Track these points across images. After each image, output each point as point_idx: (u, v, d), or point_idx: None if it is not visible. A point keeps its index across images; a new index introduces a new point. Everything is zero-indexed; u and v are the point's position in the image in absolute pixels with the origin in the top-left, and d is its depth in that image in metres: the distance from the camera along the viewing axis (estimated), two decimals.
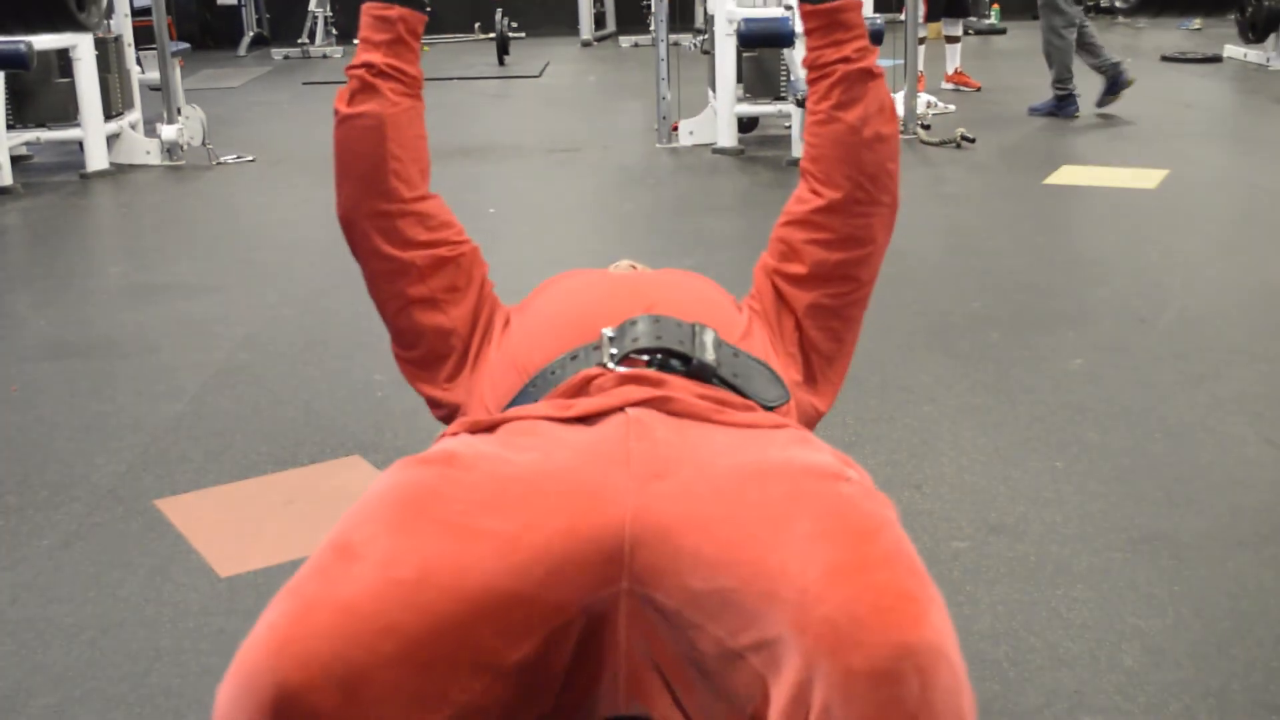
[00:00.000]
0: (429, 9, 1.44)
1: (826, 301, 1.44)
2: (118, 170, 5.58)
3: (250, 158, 5.80)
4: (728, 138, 5.58)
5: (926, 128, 5.82)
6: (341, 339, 3.21)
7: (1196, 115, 6.43)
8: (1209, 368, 2.85)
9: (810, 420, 1.38)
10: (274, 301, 3.60)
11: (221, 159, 5.73)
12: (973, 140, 5.55)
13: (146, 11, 6.11)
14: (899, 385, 2.82)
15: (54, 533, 2.22)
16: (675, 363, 1.17)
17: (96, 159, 5.49)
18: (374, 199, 1.42)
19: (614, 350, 1.17)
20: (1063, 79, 6.12)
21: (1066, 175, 4.96)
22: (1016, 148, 5.58)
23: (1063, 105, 6.14)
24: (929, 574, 0.91)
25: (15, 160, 5.41)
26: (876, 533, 0.92)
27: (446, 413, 1.41)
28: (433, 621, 0.87)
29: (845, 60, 1.43)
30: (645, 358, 1.17)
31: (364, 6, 1.42)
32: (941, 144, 5.59)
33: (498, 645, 0.90)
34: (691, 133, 5.80)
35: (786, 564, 0.88)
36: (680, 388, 1.13)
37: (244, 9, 10.62)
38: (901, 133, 5.81)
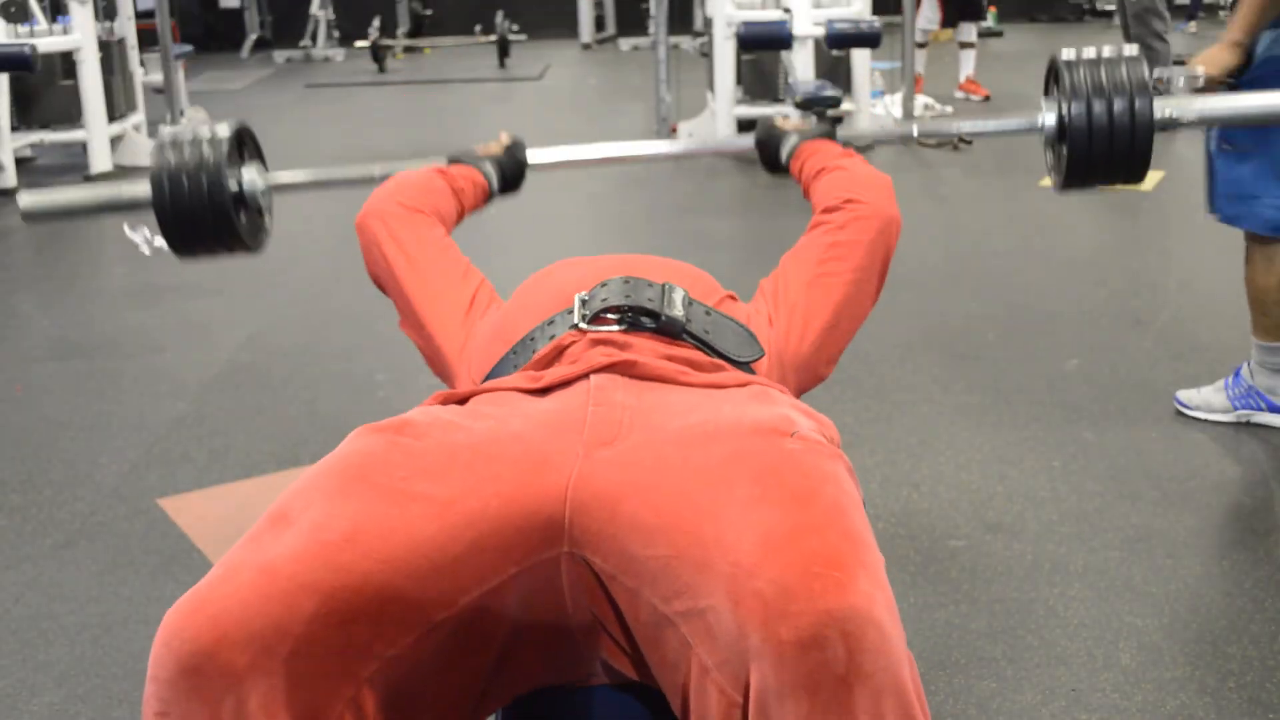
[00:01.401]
0: (494, 193, 1.69)
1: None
2: (121, 172, 5.59)
3: None
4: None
5: None
6: (343, 339, 3.23)
7: None
8: (1204, 368, 2.86)
9: (806, 381, 1.38)
10: (276, 302, 3.62)
11: None
12: (969, 142, 5.57)
13: (150, 14, 6.14)
14: (897, 386, 2.84)
15: (57, 531, 2.23)
16: (645, 320, 1.19)
17: (100, 161, 5.50)
18: (396, 200, 1.55)
19: (585, 312, 1.20)
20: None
21: None
22: (1013, 149, 5.59)
23: None
24: (869, 535, 0.92)
25: (19, 162, 5.42)
26: (814, 494, 0.92)
27: (436, 365, 1.43)
28: (354, 580, 0.89)
29: (824, 165, 1.55)
30: (615, 317, 1.20)
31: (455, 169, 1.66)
32: (938, 146, 5.61)
33: (425, 603, 0.92)
34: (691, 134, 5.81)
35: (722, 533, 0.89)
36: (647, 349, 1.15)
37: (247, 12, 10.63)
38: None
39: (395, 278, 1.44)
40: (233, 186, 1.57)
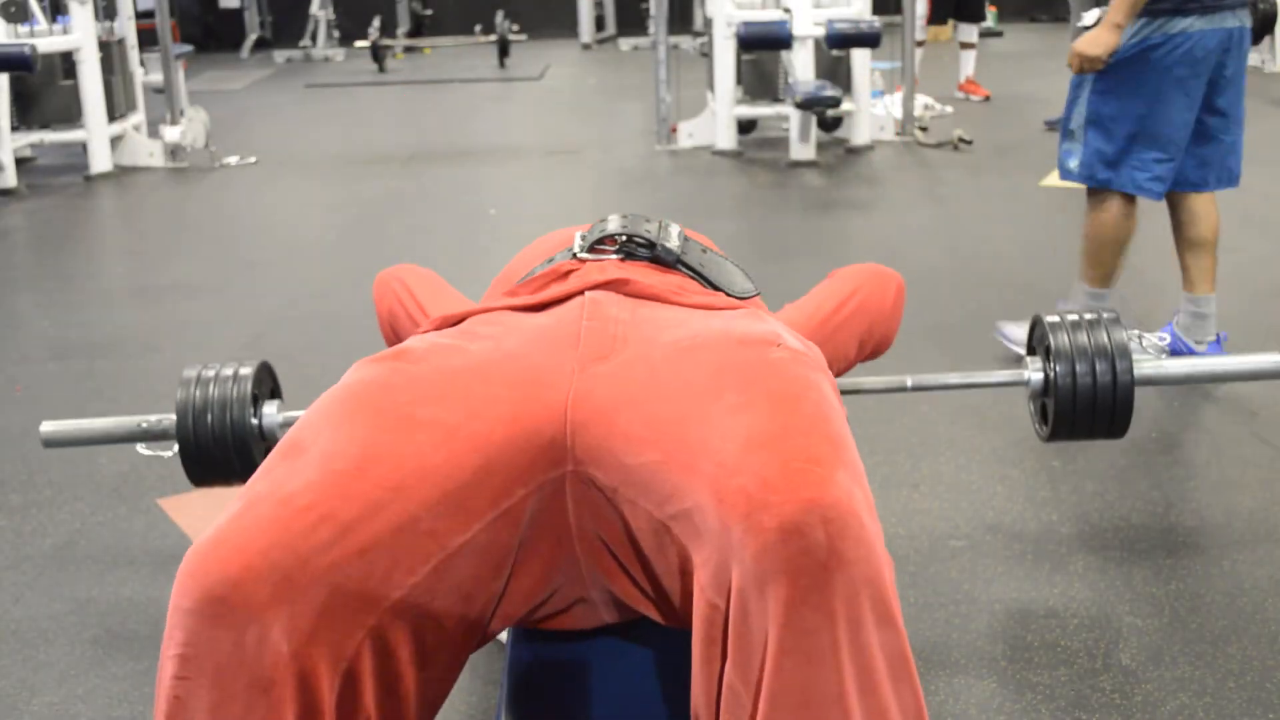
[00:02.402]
0: None
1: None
2: (121, 172, 5.60)
3: (253, 160, 5.82)
4: (727, 140, 5.60)
5: (924, 129, 5.84)
6: (343, 339, 3.22)
7: None
8: None
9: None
10: (276, 302, 3.62)
11: (224, 161, 5.75)
12: (970, 142, 5.57)
13: (150, 14, 6.14)
14: None
15: (57, 531, 2.23)
16: (641, 250, 1.23)
17: (100, 161, 5.50)
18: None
19: (583, 243, 1.24)
20: None
21: None
22: (1013, 149, 5.59)
23: None
24: (850, 441, 0.95)
25: (20, 162, 5.43)
26: (798, 399, 0.95)
27: None
28: (369, 509, 0.91)
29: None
30: (613, 248, 1.23)
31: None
32: (939, 146, 5.61)
33: (439, 529, 0.94)
34: (691, 135, 5.81)
35: (708, 437, 0.92)
36: (642, 272, 1.18)
37: (247, 12, 10.63)
38: (899, 135, 5.83)
39: (418, 306, 1.48)
40: (252, 422, 1.65)
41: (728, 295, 1.23)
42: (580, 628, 1.10)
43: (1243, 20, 2.68)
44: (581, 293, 1.13)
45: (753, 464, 0.87)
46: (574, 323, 1.06)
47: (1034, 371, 1.70)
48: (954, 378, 1.89)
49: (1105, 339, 1.64)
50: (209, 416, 1.63)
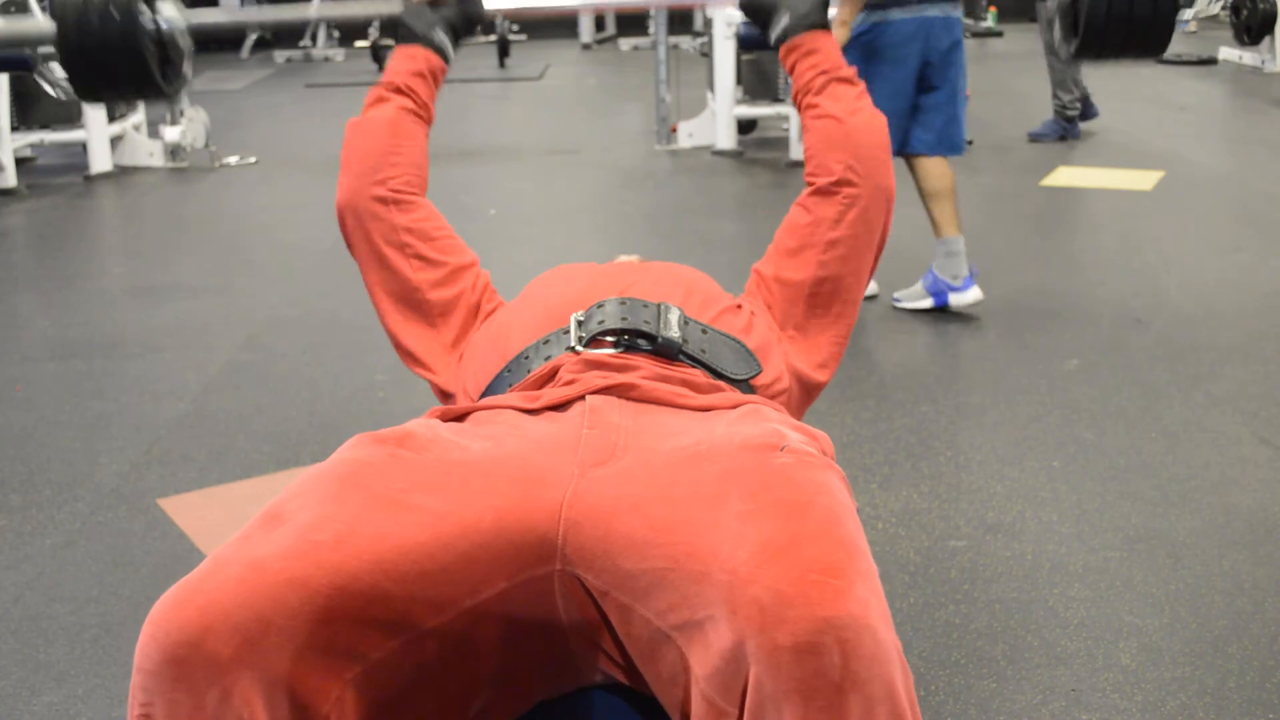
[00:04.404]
0: (450, 59, 1.54)
1: (822, 273, 1.41)
2: (121, 172, 5.60)
3: (253, 160, 5.82)
4: (727, 140, 5.60)
5: None
6: (343, 339, 3.23)
7: (1192, 117, 6.44)
8: (1205, 368, 2.86)
9: (805, 392, 1.38)
10: (276, 302, 3.62)
11: (224, 161, 5.75)
12: (970, 142, 5.56)
13: None
14: (897, 385, 2.84)
15: (57, 532, 2.23)
16: (642, 342, 1.20)
17: (100, 161, 5.50)
18: (371, 185, 1.46)
19: (582, 334, 1.21)
20: (1068, 99, 5.64)
21: (1063, 177, 4.98)
22: (1013, 149, 5.59)
23: (1073, 126, 5.68)
24: (863, 544, 0.93)
25: (20, 162, 5.43)
26: (808, 506, 0.93)
27: (442, 396, 1.43)
28: (340, 579, 0.90)
29: (823, 73, 1.45)
30: (611, 339, 1.20)
31: (395, 48, 1.53)
32: None
33: (412, 610, 0.92)
34: (691, 135, 5.81)
35: (718, 545, 0.90)
36: (644, 370, 1.16)
37: None
38: None
39: (378, 308, 1.45)
40: (148, 24, 1.46)
41: (730, 383, 1.20)
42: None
43: (946, 11, 3.14)
44: (583, 397, 1.11)
45: (768, 574, 0.85)
46: (575, 429, 1.05)
47: None
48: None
49: None
50: (93, 15, 1.41)
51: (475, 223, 4.50)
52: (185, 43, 1.55)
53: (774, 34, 1.51)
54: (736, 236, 4.22)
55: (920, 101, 3.20)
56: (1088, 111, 5.79)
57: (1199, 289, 3.47)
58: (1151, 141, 5.68)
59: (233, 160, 5.78)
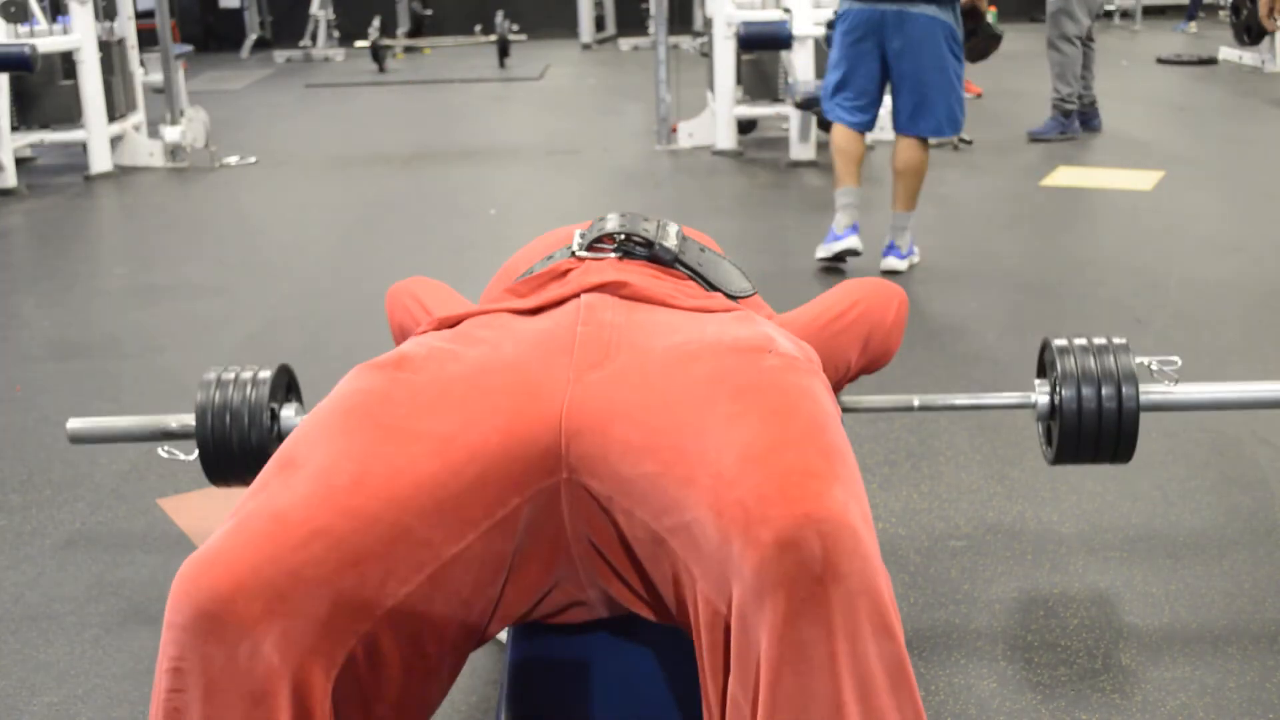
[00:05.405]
0: None
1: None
2: (121, 172, 5.60)
3: (253, 159, 5.82)
4: (727, 140, 5.60)
5: None
6: (343, 339, 3.23)
7: (1192, 118, 6.44)
8: (1204, 368, 2.86)
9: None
10: (276, 302, 3.62)
11: (224, 161, 5.75)
12: (969, 142, 5.57)
13: (150, 14, 6.14)
14: (897, 386, 2.84)
15: (57, 532, 2.23)
16: (639, 249, 1.23)
17: (100, 161, 5.50)
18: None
19: (582, 241, 1.25)
20: (1067, 91, 5.65)
21: (1063, 177, 4.98)
22: (1013, 149, 5.59)
23: (1070, 122, 5.67)
24: (846, 450, 0.95)
25: (20, 162, 5.43)
26: (792, 409, 0.95)
27: None
28: (363, 522, 0.92)
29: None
30: (611, 246, 1.24)
31: None
32: (938, 145, 5.60)
33: (434, 539, 0.94)
34: (691, 135, 5.81)
35: (705, 449, 0.93)
36: (639, 273, 1.18)
37: (247, 12, 10.63)
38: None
39: (427, 314, 1.49)
40: (269, 423, 1.68)
41: (725, 295, 1.23)
42: (577, 622, 1.10)
43: (901, 5, 3.45)
44: (578, 295, 1.13)
45: (749, 477, 0.88)
46: (569, 329, 1.07)
47: (1041, 395, 1.72)
48: (961, 399, 1.90)
49: (1113, 364, 1.65)
50: (227, 419, 1.66)
51: (475, 223, 4.50)
52: None
53: None
54: (736, 236, 4.22)
55: (895, 88, 3.58)
56: (1090, 122, 5.79)
57: (1199, 289, 3.47)
58: (1151, 141, 5.68)
59: (233, 160, 5.78)
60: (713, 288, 1.24)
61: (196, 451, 1.69)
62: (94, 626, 1.91)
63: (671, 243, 1.24)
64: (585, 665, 1.10)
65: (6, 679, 1.79)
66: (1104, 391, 1.64)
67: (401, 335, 1.61)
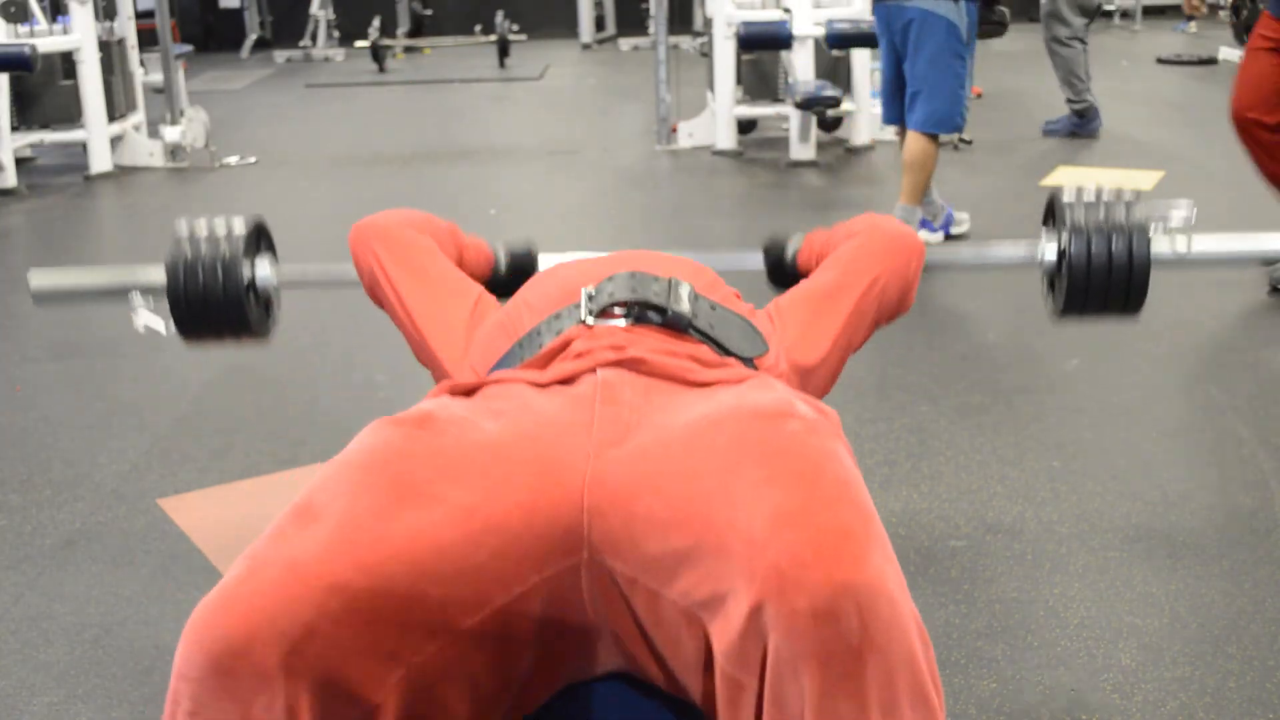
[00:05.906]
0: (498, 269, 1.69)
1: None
2: (121, 172, 5.60)
3: (253, 159, 5.82)
4: (727, 140, 5.59)
5: None
6: (344, 339, 3.23)
7: (1192, 118, 6.44)
8: (1205, 368, 2.86)
9: (799, 377, 1.39)
10: None
11: (224, 161, 5.75)
12: (969, 142, 5.57)
13: (150, 14, 6.13)
14: (897, 385, 2.84)
15: (57, 532, 2.23)
16: (652, 315, 1.19)
17: (100, 161, 5.50)
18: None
19: (592, 307, 1.20)
20: (1077, 91, 5.65)
21: (1063, 177, 4.97)
22: (1013, 149, 5.59)
23: (1084, 122, 5.66)
24: (874, 512, 0.93)
25: (20, 162, 5.42)
26: (819, 472, 0.93)
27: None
28: (380, 582, 0.89)
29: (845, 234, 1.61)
30: (621, 312, 1.20)
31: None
32: (938, 145, 5.60)
33: (449, 610, 0.92)
34: (691, 135, 5.81)
35: (735, 516, 0.90)
36: (654, 344, 1.16)
37: (247, 12, 10.62)
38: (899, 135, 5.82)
39: (395, 291, 1.44)
40: (246, 278, 1.64)
41: (739, 360, 1.20)
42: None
43: (899, 0, 3.58)
44: (594, 370, 1.10)
45: (782, 539, 0.85)
46: (587, 406, 1.04)
47: (1048, 246, 1.65)
48: (966, 253, 1.86)
49: (1122, 215, 1.58)
50: (200, 271, 1.60)
51: (475, 223, 4.48)
52: (276, 295, 1.75)
53: (790, 251, 1.70)
54: (736, 236, 4.22)
55: (903, 84, 3.72)
56: (1089, 125, 5.79)
57: (1199, 289, 3.47)
58: (1151, 141, 5.68)
59: (233, 160, 5.78)
60: (726, 352, 1.21)
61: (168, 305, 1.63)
62: (94, 627, 1.91)
63: (684, 307, 1.20)
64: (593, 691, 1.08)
65: (6, 679, 1.79)
66: (1114, 241, 1.56)
67: (371, 286, 1.53)
